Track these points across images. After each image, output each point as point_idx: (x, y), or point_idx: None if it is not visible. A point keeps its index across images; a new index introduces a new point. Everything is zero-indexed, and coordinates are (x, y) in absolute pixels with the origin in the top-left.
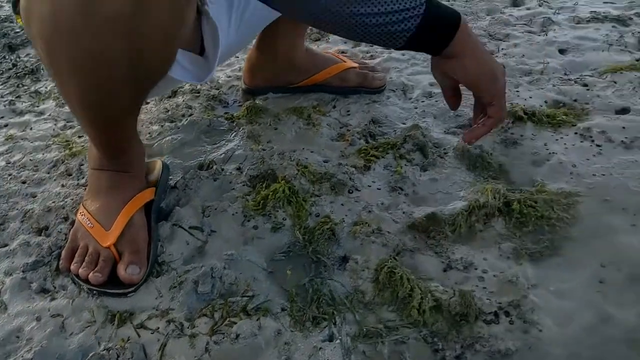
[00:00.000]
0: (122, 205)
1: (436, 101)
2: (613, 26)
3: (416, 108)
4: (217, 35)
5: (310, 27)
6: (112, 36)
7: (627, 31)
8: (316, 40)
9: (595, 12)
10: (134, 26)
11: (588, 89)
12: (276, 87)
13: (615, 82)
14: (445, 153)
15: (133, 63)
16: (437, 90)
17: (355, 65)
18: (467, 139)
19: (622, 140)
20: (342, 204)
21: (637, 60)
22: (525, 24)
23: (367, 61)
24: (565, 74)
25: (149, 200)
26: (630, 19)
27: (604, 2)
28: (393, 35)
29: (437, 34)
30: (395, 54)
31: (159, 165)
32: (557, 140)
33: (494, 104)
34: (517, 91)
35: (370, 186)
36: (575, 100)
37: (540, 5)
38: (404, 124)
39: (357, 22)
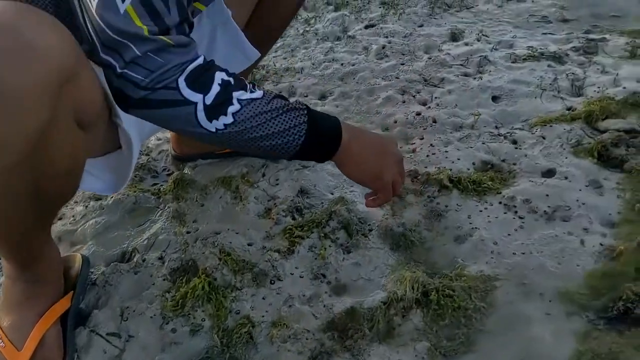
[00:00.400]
0: (36, 319)
1: None
2: (549, 65)
3: None
4: (131, 144)
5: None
6: (13, 177)
7: (562, 71)
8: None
9: (532, 47)
10: (34, 169)
11: (517, 147)
12: (205, 154)
13: (544, 138)
14: (369, 230)
15: (34, 197)
16: None
17: None
18: (366, 204)
19: (544, 211)
20: (263, 298)
21: (568, 110)
22: (461, 65)
23: None
24: (496, 127)
25: (66, 309)
26: (567, 54)
27: (543, 34)
28: (281, 151)
29: (320, 149)
30: (328, 107)
31: (78, 260)
32: (481, 211)
33: (380, 194)
34: (447, 151)
35: (293, 274)
36: (503, 161)
37: (478, 40)
38: (332, 193)
39: (252, 145)
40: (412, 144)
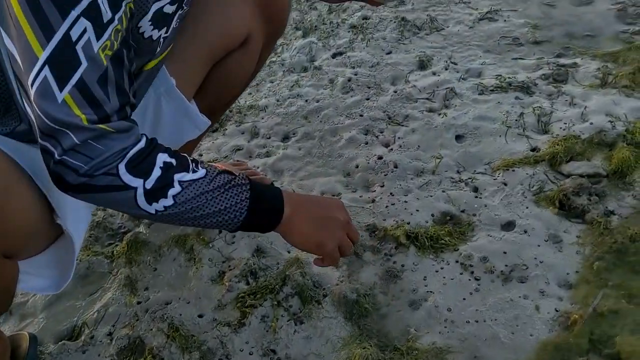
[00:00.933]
0: None
1: None
2: (516, 97)
3: None
4: (73, 246)
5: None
6: None
7: (530, 104)
8: (214, 131)
9: (501, 76)
10: None
11: (477, 195)
12: None
13: (505, 184)
14: (324, 296)
15: None
16: None
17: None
18: (314, 262)
19: (501, 271)
20: None
21: (532, 150)
22: (427, 99)
23: (251, 168)
24: (458, 172)
25: None
26: (535, 84)
27: (513, 59)
28: (222, 227)
29: (261, 224)
30: (290, 150)
31: (26, 339)
32: (437, 271)
33: (326, 259)
34: (406, 201)
35: (242, 350)
36: (462, 211)
37: (446, 68)
38: (288, 252)
39: (193, 222)
40: (373, 191)
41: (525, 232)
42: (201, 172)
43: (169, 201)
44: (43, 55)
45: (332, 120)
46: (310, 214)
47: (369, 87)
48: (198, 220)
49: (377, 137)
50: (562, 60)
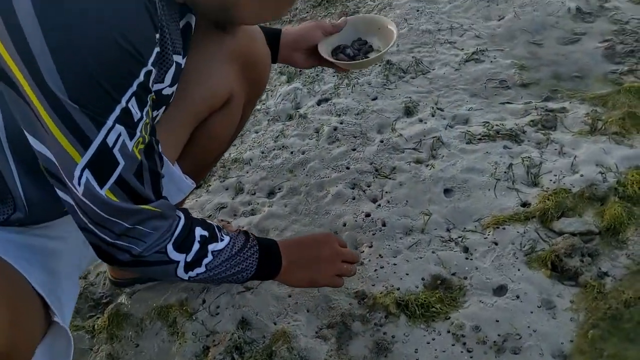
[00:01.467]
0: None
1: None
2: (505, 147)
3: (290, 297)
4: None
5: None
6: None
7: (519, 153)
8: (197, 188)
9: (488, 123)
10: None
11: (468, 257)
12: (142, 278)
13: (496, 244)
14: None
15: None
16: None
17: None
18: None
19: (494, 341)
20: None
21: (523, 205)
22: (414, 149)
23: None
24: (448, 230)
25: None
26: (524, 132)
27: (500, 103)
28: (234, 282)
29: (264, 277)
30: (276, 208)
31: None
32: (429, 342)
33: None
34: (395, 264)
35: None
36: (453, 274)
37: (433, 115)
38: (274, 323)
39: (211, 281)
40: (361, 252)
41: (518, 297)
42: (226, 239)
43: (202, 269)
44: (82, 161)
45: (319, 174)
46: (300, 258)
47: (355, 137)
48: (217, 280)
49: (364, 191)
50: (551, 105)
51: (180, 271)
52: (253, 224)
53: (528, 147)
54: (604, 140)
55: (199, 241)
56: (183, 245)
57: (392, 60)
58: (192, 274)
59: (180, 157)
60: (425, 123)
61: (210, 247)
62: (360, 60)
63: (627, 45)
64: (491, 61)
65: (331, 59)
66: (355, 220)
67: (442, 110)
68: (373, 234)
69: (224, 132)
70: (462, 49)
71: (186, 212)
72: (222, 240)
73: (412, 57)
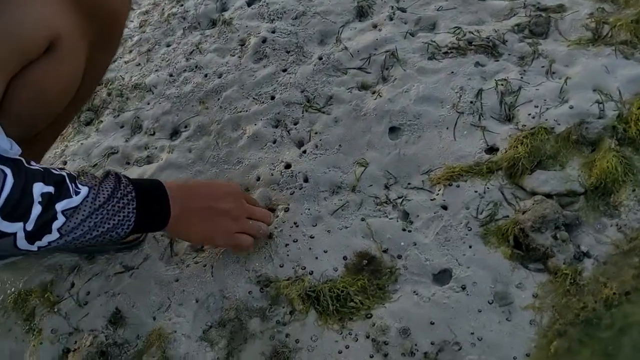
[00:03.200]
0: None
1: None
2: (477, 63)
3: (177, 281)
4: None
5: None
6: None
7: (493, 73)
8: (87, 125)
9: (459, 29)
10: None
11: (406, 227)
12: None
13: (445, 209)
14: None
15: None
16: None
17: None
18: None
19: (425, 353)
20: None
21: (488, 151)
22: (360, 68)
23: None
24: (386, 187)
25: None
26: (505, 41)
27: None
28: (108, 242)
29: (148, 229)
30: (177, 154)
31: None
32: (340, 352)
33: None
34: (312, 237)
35: None
36: (385, 251)
37: (391, 18)
38: (153, 318)
39: (77, 247)
40: (275, 217)
41: (464, 288)
42: (84, 191)
43: (53, 235)
44: None
45: (235, 106)
46: (195, 206)
47: (288, 52)
48: (83, 243)
49: (289, 131)
50: (544, 0)
51: (22, 242)
52: (145, 176)
53: (507, 63)
54: (609, 54)
55: (40, 202)
56: (15, 211)
57: None
58: (41, 243)
59: (2, 115)
60: (380, 30)
61: (60, 205)
62: None
63: None
64: None
65: None
66: (272, 174)
67: (403, 10)
68: (291, 193)
69: (55, 86)
70: None
71: (17, 164)
72: (77, 193)
73: None
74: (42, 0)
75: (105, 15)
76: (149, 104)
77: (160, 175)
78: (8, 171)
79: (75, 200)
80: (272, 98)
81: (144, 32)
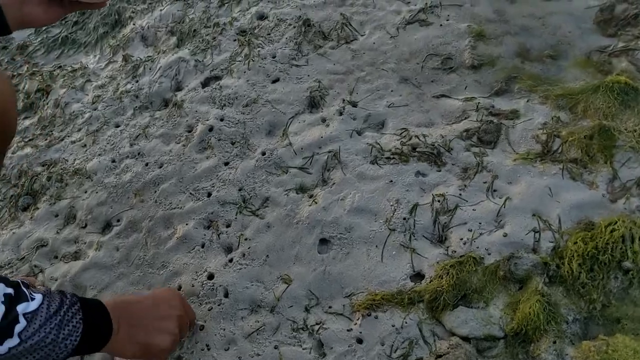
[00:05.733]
0: None
1: None
2: (418, 173)
3: None
4: None
5: None
6: None
7: (432, 186)
8: (24, 210)
9: (407, 131)
10: None
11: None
12: None
13: (360, 343)
14: None
15: None
16: None
17: None
18: None
19: None
20: None
21: (412, 278)
22: (302, 168)
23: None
24: (306, 309)
25: None
26: (450, 150)
27: (434, 96)
28: (54, 357)
29: (91, 347)
30: (104, 252)
31: None
32: None
33: None
34: None
35: None
36: None
37: (340, 113)
38: None
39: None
40: (188, 335)
41: None
42: (38, 297)
43: (14, 340)
44: None
45: (171, 201)
46: (135, 328)
47: (233, 143)
48: (35, 356)
49: (219, 235)
50: (500, 103)
51: None
52: (69, 276)
53: (449, 175)
54: (555, 173)
55: (2, 302)
56: None
57: (311, 19)
58: (1, 349)
59: None
60: (328, 125)
61: (20, 308)
62: None
63: (634, 5)
64: (441, 24)
65: None
66: (193, 285)
67: (354, 105)
68: (209, 309)
69: None
70: (409, 1)
71: None
72: (32, 298)
73: (341, 14)
74: None
75: (3, 126)
76: (86, 192)
77: (83, 275)
78: None
79: (32, 305)
80: (209, 195)
81: (95, 110)
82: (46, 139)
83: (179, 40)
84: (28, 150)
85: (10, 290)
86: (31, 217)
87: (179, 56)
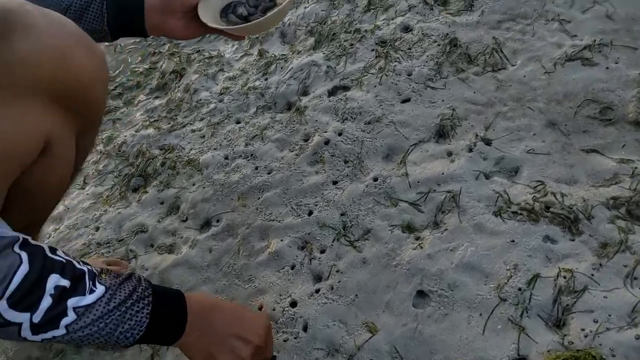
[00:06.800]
0: None
1: None
2: (546, 238)
3: None
4: None
5: None
6: None
7: (560, 257)
8: (135, 190)
9: (543, 186)
10: None
11: None
12: None
13: None
14: None
15: None
16: None
17: None
18: None
19: None
20: None
21: None
22: (413, 204)
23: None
24: None
25: None
26: (591, 217)
27: (583, 150)
28: (116, 345)
29: (157, 341)
30: (197, 251)
31: None
32: None
33: None
34: None
35: None
36: None
37: (470, 150)
38: None
39: (82, 344)
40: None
41: None
42: (99, 290)
43: (60, 331)
44: None
45: (271, 212)
46: (212, 339)
47: (346, 162)
48: (87, 343)
49: (311, 260)
50: None
51: (27, 333)
52: (159, 269)
53: (583, 248)
54: None
55: (51, 294)
56: (23, 300)
57: (459, 39)
58: (45, 336)
59: (5, 214)
60: (453, 161)
61: (72, 302)
62: (248, 24)
63: None
64: (607, 67)
65: (212, 25)
66: (274, 309)
67: (488, 143)
68: (285, 340)
69: (52, 179)
70: (576, 35)
71: (37, 251)
72: (91, 292)
73: (493, 38)
74: (29, 107)
75: (89, 105)
76: (194, 184)
77: (172, 271)
78: (25, 258)
79: (87, 299)
80: (310, 213)
81: (221, 101)
82: (169, 123)
83: (316, 42)
84: (151, 130)
85: (65, 283)
86: (138, 200)
87: (312, 59)
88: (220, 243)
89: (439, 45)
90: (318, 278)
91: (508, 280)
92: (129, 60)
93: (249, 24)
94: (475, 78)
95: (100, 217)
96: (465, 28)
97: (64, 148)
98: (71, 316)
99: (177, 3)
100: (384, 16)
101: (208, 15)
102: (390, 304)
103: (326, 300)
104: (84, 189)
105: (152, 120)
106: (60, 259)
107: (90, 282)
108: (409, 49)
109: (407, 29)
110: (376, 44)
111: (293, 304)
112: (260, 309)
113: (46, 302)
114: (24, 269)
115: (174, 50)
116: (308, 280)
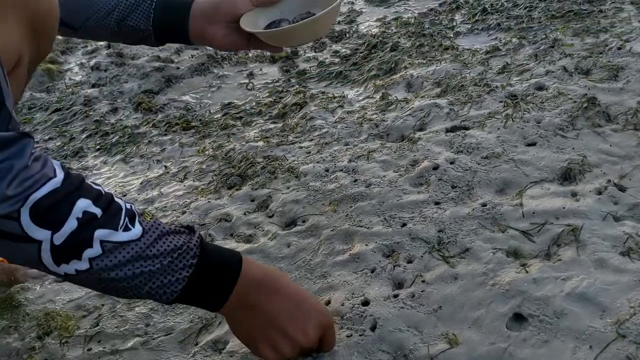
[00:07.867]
0: None
1: None
2: None
3: None
4: None
5: None
6: None
7: None
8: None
9: None
10: None
11: None
12: None
13: None
14: None
15: None
16: None
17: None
18: None
19: None
20: None
21: None
22: (524, 232)
23: None
24: None
25: None
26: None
27: None
28: (153, 299)
29: (199, 303)
30: (275, 243)
31: None
32: None
33: None
34: None
35: None
36: None
37: (599, 193)
38: None
39: (112, 293)
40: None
41: None
42: (135, 230)
43: (83, 264)
44: None
45: (361, 219)
46: (262, 309)
47: (453, 187)
48: (117, 292)
49: (395, 266)
50: None
51: (47, 257)
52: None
53: None
54: None
55: (78, 218)
56: (46, 215)
57: (599, 100)
58: (67, 268)
59: None
60: (578, 200)
61: (99, 233)
62: (279, 29)
63: None
64: None
65: (246, 28)
66: (343, 304)
67: (622, 189)
68: (348, 335)
69: None
70: None
71: (75, 176)
72: (127, 229)
73: (638, 102)
74: (13, 23)
75: (48, 31)
76: (288, 188)
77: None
78: (60, 175)
79: (119, 236)
80: (403, 225)
81: (334, 127)
82: (279, 139)
83: (442, 91)
84: (260, 143)
85: (96, 211)
86: (230, 195)
87: (434, 102)
88: (300, 240)
89: (574, 102)
90: (399, 285)
91: (630, 318)
92: (257, 95)
93: (280, 28)
94: (613, 134)
95: (190, 204)
96: (607, 92)
97: (24, 70)
98: (96, 249)
99: (222, 12)
100: (518, 77)
101: (247, 23)
102: (479, 321)
103: (404, 305)
104: (182, 182)
105: (263, 136)
106: (98, 188)
107: (127, 219)
108: (542, 102)
109: (541, 88)
110: (506, 97)
111: (365, 302)
112: (327, 304)
113: (71, 224)
114: (55, 181)
115: (300, 89)
116: (387, 285)
